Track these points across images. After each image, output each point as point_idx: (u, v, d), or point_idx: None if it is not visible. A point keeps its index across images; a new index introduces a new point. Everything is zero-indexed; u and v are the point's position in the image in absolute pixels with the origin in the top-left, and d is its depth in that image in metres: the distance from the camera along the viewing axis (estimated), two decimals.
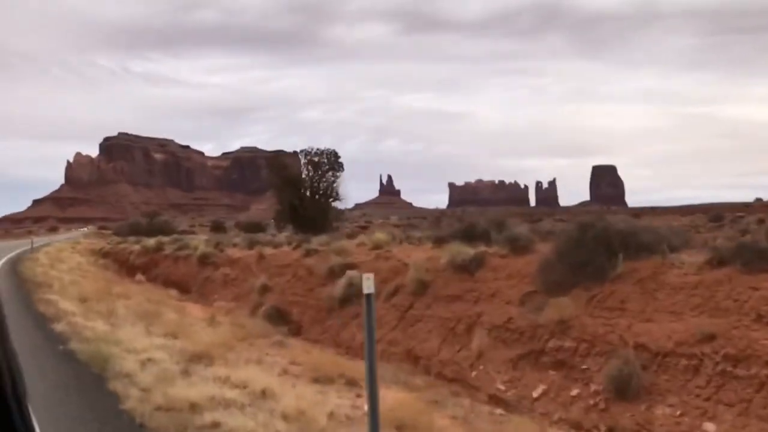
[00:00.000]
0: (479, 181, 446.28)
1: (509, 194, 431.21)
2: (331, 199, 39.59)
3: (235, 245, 32.85)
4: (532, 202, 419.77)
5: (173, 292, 28.69)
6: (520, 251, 14.15)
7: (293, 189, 39.08)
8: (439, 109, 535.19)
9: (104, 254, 58.65)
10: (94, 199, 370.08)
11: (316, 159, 39.43)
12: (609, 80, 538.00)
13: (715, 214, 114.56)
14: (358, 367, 12.86)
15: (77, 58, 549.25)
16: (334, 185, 39.73)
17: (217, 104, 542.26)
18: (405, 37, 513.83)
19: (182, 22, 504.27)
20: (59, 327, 13.36)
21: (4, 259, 44.46)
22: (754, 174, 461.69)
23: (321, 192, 39.51)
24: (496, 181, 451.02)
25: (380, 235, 20.77)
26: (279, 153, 40.28)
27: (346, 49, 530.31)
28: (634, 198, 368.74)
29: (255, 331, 17.28)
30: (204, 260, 30.04)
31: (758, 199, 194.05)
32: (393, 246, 20.51)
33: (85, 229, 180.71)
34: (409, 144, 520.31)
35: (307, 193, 39.37)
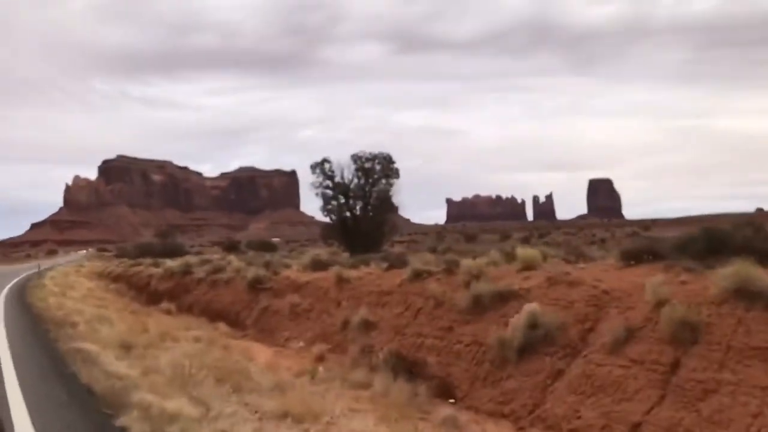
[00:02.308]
0: (476, 197, 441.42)
1: (506, 209, 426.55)
2: (386, 211, 34.10)
3: (287, 266, 27.27)
4: (530, 216, 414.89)
5: (222, 327, 23.08)
6: None
7: (344, 199, 33.64)
8: (435, 126, 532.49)
9: (115, 278, 53.10)
10: (93, 221, 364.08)
11: (367, 165, 33.92)
12: (602, 95, 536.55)
13: (731, 224, 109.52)
14: None
15: (76, 83, 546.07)
16: (389, 194, 34.24)
17: (215, 125, 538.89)
18: (400, 57, 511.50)
19: (180, 46, 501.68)
20: (132, 423, 7.73)
21: (8, 287, 38.77)
22: (748, 185, 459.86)
23: (373, 203, 34.01)
24: (494, 196, 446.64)
25: (530, 251, 15.22)
26: (323, 160, 34.51)
27: (341, 69, 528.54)
28: (630, 210, 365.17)
29: (393, 395, 11.72)
30: (256, 285, 24.43)
31: (759, 209, 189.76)
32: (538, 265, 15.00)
33: (85, 251, 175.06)
34: (405, 161, 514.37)
35: (358, 205, 33.91)
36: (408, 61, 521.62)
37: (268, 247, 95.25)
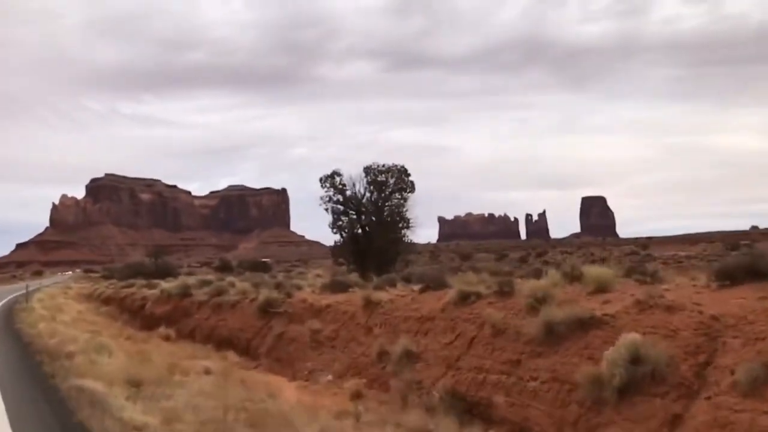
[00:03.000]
0: (469, 215, 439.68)
1: (499, 227, 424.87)
2: (400, 227, 32.07)
3: (298, 287, 25.18)
4: (523, 234, 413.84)
5: (232, 356, 20.96)
6: None
7: (355, 215, 31.61)
8: (428, 143, 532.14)
9: (105, 300, 50.75)
10: (79, 241, 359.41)
11: (381, 178, 31.92)
12: (594, 112, 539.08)
13: (732, 242, 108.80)
14: None
15: (65, 101, 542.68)
16: (403, 210, 32.21)
17: (205, 143, 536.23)
18: (392, 74, 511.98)
19: (172, 64, 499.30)
20: None
21: None
22: (742, 202, 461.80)
23: (386, 218, 31.99)
24: (486, 215, 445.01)
25: (601, 270, 13.28)
26: (333, 173, 32.51)
27: (334, 86, 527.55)
28: (624, 229, 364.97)
29: None
30: (268, 309, 22.31)
31: (755, 227, 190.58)
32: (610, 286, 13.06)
33: (70, 272, 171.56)
34: None
35: (371, 221, 31.87)
36: (400, 78, 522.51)
37: (261, 267, 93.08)
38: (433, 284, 17.25)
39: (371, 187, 31.85)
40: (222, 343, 23.31)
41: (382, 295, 17.85)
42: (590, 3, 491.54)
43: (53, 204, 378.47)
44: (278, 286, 24.76)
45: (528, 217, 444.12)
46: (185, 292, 32.48)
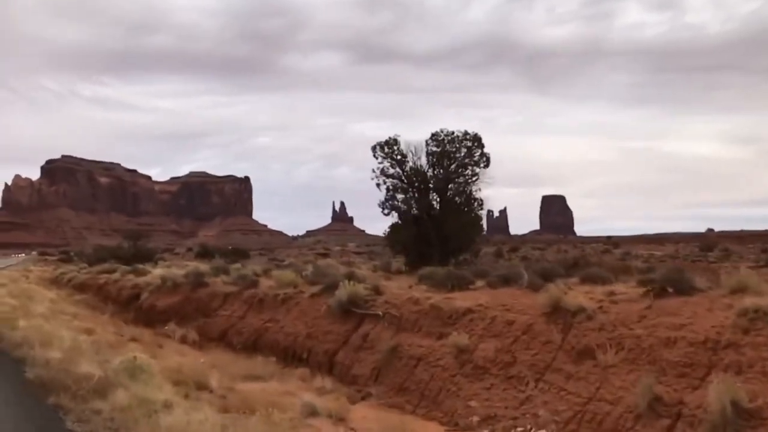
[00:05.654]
0: None
1: None
2: (472, 209, 25.78)
3: (374, 279, 18.65)
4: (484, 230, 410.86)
5: (318, 380, 14.44)
6: None
7: (416, 192, 25.24)
8: (392, 137, 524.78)
9: (78, 287, 43.66)
10: (33, 223, 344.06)
11: (449, 148, 25.54)
12: (556, 113, 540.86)
13: (706, 243, 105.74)
14: None
15: (22, 80, 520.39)
16: (473, 188, 25.91)
17: (168, 129, 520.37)
18: (358, 67, 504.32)
19: (135, 46, 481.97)
20: None
21: None
22: (694, 206, 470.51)
23: (453, 198, 25.72)
24: None
25: None
26: (390, 140, 26.02)
27: (299, 77, 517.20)
28: (582, 227, 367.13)
29: None
30: (352, 309, 15.83)
31: (710, 230, 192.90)
32: None
33: (23, 255, 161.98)
34: (361, 171, 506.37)
35: (436, 200, 25.56)
36: (366, 71, 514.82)
37: (240, 254, 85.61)
38: (672, 284, 11.07)
39: (434, 159, 25.53)
40: (280, 354, 16.80)
41: (581, 300, 11.55)
42: (557, 6, 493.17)
43: (6, 184, 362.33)
44: (350, 277, 18.10)
45: (489, 213, 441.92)
46: (199, 281, 25.77)
